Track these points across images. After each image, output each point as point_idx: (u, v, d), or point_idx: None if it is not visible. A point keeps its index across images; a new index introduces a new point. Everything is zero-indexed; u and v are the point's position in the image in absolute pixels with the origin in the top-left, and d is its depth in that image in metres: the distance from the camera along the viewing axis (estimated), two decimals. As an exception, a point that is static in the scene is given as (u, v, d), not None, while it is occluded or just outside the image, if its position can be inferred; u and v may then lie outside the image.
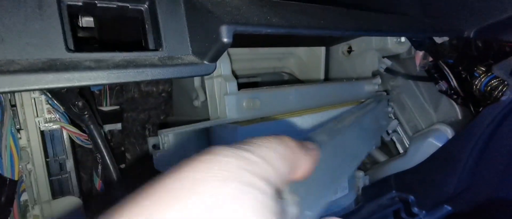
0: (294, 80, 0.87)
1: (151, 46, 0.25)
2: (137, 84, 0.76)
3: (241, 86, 0.49)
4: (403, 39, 0.68)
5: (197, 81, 0.58)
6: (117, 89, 0.74)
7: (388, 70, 0.74)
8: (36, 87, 0.18)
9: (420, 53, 0.67)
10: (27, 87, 0.18)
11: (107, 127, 0.67)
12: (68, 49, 0.21)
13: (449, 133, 0.62)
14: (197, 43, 0.25)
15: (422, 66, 0.67)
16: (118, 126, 0.68)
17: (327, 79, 0.80)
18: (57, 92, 0.35)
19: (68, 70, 0.19)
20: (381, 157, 0.80)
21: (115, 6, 0.23)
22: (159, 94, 0.80)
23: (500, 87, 0.50)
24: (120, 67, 0.21)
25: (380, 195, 0.64)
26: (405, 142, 0.77)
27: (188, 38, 0.25)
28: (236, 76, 0.50)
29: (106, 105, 0.70)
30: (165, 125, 0.81)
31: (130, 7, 0.24)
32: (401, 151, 0.78)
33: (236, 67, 0.78)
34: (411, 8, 0.44)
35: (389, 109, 0.72)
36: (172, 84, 0.78)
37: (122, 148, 0.70)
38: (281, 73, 0.88)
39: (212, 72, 0.26)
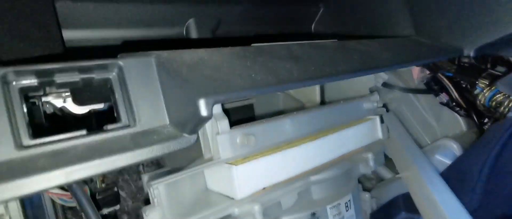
0: (289, 100, 0.84)
1: (123, 119, 0.22)
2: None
3: (234, 112, 0.47)
4: (398, 52, 0.66)
5: (188, 115, 0.55)
6: (107, 126, 0.72)
7: (385, 84, 0.71)
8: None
9: (417, 67, 0.65)
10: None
11: (98, 168, 0.63)
12: (19, 146, 0.18)
13: (455, 149, 0.59)
14: (175, 113, 0.22)
15: (420, 80, 0.65)
16: (110, 165, 0.65)
17: (322, 98, 0.78)
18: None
19: (16, 176, 0.16)
20: (386, 173, 0.77)
21: (78, 79, 0.21)
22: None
23: (506, 102, 0.47)
24: (82, 159, 0.18)
25: (389, 217, 0.60)
26: (410, 157, 0.74)
27: (164, 108, 0.22)
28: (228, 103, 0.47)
29: (95, 145, 0.66)
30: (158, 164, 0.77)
31: (95, 77, 0.21)
32: (406, 166, 0.75)
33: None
34: (404, 29, 0.42)
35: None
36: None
37: (115, 188, 0.66)
38: (276, 93, 0.86)
39: (194, 143, 0.23)
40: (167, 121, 0.23)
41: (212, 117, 0.45)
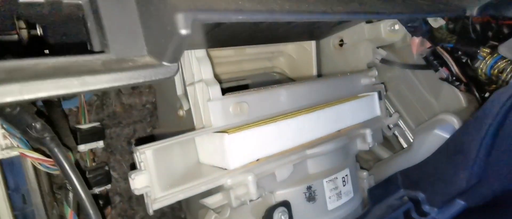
0: (286, 80, 0.82)
1: (96, 47, 0.20)
2: (118, 97, 0.71)
3: (229, 90, 0.45)
4: (397, 26, 0.64)
5: (179, 89, 0.53)
6: (97, 104, 0.69)
7: (383, 60, 0.69)
8: None
9: (416, 40, 0.63)
10: None
11: (88, 146, 0.61)
12: (-30, 59, 0.16)
13: (455, 122, 0.57)
14: (152, 40, 0.20)
15: (419, 54, 0.63)
16: (100, 144, 0.63)
17: (320, 75, 0.76)
18: (7, 114, 0.30)
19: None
20: (384, 153, 0.76)
21: (43, 1, 0.19)
22: (143, 106, 0.75)
23: (508, 69, 0.46)
24: (41, 76, 0.16)
25: (387, 195, 0.59)
26: (409, 136, 0.73)
27: (142, 35, 0.20)
28: (221, 81, 0.45)
29: (84, 122, 0.64)
30: (151, 139, 0.75)
31: (64, 1, 0.19)
32: (404, 145, 0.73)
33: (222, 70, 0.73)
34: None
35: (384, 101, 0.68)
36: (156, 94, 0.73)
37: (107, 167, 0.64)
38: (271, 73, 0.84)
39: (174, 75, 0.21)
40: (145, 50, 0.21)
41: (203, 82, 0.43)
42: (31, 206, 0.39)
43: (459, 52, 0.59)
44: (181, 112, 0.53)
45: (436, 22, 0.59)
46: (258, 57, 0.77)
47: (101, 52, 0.20)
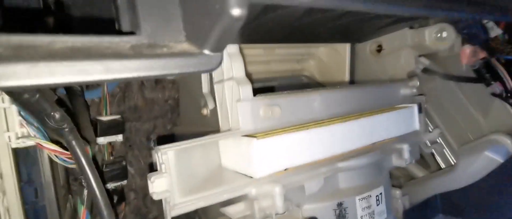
0: (315, 85, 0.78)
1: (125, 27, 0.17)
2: (140, 90, 0.69)
3: (255, 91, 0.41)
4: (445, 33, 0.58)
5: (206, 86, 0.50)
6: (119, 96, 0.68)
7: (426, 70, 0.63)
8: None
9: (467, 50, 0.57)
10: None
11: (108, 139, 0.59)
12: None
13: (510, 145, 0.51)
14: (193, 23, 0.16)
15: (469, 65, 0.57)
16: (119, 137, 0.61)
17: (352, 82, 0.71)
18: (25, 101, 0.28)
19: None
20: (418, 172, 0.69)
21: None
22: (165, 102, 0.73)
23: None
24: (56, 57, 0.13)
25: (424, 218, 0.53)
26: (448, 155, 0.66)
27: (180, 16, 0.17)
28: (251, 80, 0.42)
29: (106, 114, 0.63)
30: (171, 138, 0.73)
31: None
32: (442, 165, 0.67)
33: (249, 70, 0.70)
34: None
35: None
36: (179, 89, 0.71)
37: (124, 162, 0.62)
38: (300, 76, 0.79)
39: (216, 67, 0.18)
40: (183, 35, 0.17)
41: (234, 81, 0.40)
42: (43, 201, 0.37)
43: (517, 66, 0.53)
44: (205, 111, 0.50)
45: (493, 31, 0.52)
46: (287, 59, 0.73)
47: (131, 33, 0.16)
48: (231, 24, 0.15)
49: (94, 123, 0.57)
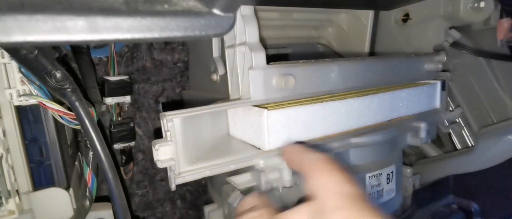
0: (331, 54, 0.73)
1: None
2: (149, 51, 0.67)
3: (268, 59, 0.38)
4: (483, 3, 0.52)
5: (216, 50, 0.47)
6: (127, 56, 0.65)
7: (455, 44, 0.58)
8: None
9: (505, 24, 0.52)
10: None
11: (115, 100, 0.58)
12: None
13: (538, 131, 0.47)
14: (202, -27, 0.14)
15: (507, 41, 0.52)
16: (127, 98, 0.59)
17: (372, 54, 0.66)
18: (23, 57, 0.26)
19: None
20: (431, 151, 0.67)
21: None
22: (174, 64, 0.70)
23: None
24: (28, 8, 0.10)
25: (434, 200, 0.52)
26: (466, 137, 0.63)
27: (186, -37, 0.14)
28: (264, 46, 0.39)
29: (113, 74, 0.61)
30: (179, 103, 0.71)
31: None
32: (459, 146, 0.64)
33: (263, 35, 0.66)
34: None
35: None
36: (189, 52, 0.68)
37: (132, 124, 0.62)
38: (315, 44, 0.75)
39: (228, 31, 0.15)
40: (189, -12, 0.14)
41: (246, 46, 0.37)
42: (49, 160, 0.37)
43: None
44: (215, 77, 0.48)
45: (540, 3, 0.46)
46: (305, 24, 0.68)
47: (126, -17, 0.14)
48: None
49: (102, 83, 0.56)
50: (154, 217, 0.75)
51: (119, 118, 0.63)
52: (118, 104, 0.61)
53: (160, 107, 0.70)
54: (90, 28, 0.12)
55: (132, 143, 0.63)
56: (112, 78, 0.57)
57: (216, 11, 0.14)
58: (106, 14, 0.12)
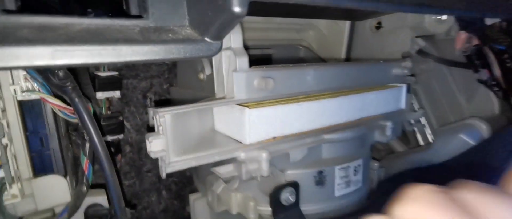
0: (311, 56, 0.79)
1: (133, 10, 0.18)
2: (138, 48, 0.70)
3: (251, 59, 0.42)
4: (444, 17, 0.59)
5: (203, 51, 0.51)
6: (117, 53, 0.68)
7: (420, 52, 0.65)
8: None
9: (463, 35, 0.58)
10: None
11: (105, 94, 0.61)
12: (2, 11, 0.14)
13: (484, 130, 0.54)
14: (196, 11, 0.18)
15: (462, 50, 0.58)
16: (117, 93, 0.62)
17: (348, 57, 0.72)
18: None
19: (-9, 41, 0.13)
20: (398, 147, 0.74)
21: None
22: (163, 62, 0.73)
23: (562, 85, 0.42)
24: (75, 40, 0.14)
25: (396, 190, 0.58)
26: (428, 134, 0.70)
27: (184, 2, 0.18)
28: (247, 47, 0.43)
29: (103, 70, 0.64)
30: (167, 99, 0.75)
31: (103, -50, 0.17)
32: (421, 143, 0.71)
33: (247, 36, 0.70)
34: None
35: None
36: (177, 51, 0.71)
37: (121, 117, 0.65)
38: (297, 46, 0.80)
39: (216, 54, 0.19)
40: (187, 21, 0.18)
41: (231, 52, 0.41)
42: (49, 150, 0.40)
43: (506, 56, 0.54)
44: (201, 76, 0.52)
45: (490, 20, 0.53)
46: (287, 27, 0.73)
47: (138, 16, 0.17)
48: (232, 20, 0.16)
49: (92, 78, 0.59)
50: (141, 206, 0.78)
51: (109, 112, 0.66)
52: (107, 98, 0.64)
53: (148, 102, 0.74)
54: (116, 54, 0.16)
55: (121, 136, 0.66)
56: (102, 74, 0.60)
57: (207, 39, 0.18)
58: (128, 43, 0.16)
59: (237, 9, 0.15)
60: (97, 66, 0.64)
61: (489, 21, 0.53)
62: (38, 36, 0.14)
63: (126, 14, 0.18)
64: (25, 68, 0.23)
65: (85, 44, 0.15)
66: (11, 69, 0.17)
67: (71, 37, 0.15)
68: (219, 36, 0.18)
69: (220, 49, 0.19)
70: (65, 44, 0.14)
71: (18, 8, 0.15)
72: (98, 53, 0.15)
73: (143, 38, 0.16)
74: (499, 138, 0.49)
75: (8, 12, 0.14)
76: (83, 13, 0.16)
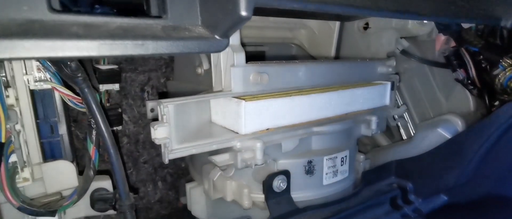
0: (302, 54, 0.82)
1: (153, 11, 0.21)
2: (137, 43, 0.72)
3: (245, 55, 0.46)
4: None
5: (201, 47, 0.54)
6: (115, 47, 0.70)
7: (404, 52, 0.69)
8: (7, 56, 0.15)
9: (442, 37, 0.63)
10: (-5, 56, 0.15)
11: (105, 87, 0.63)
12: (51, 9, 0.17)
13: (459, 125, 0.59)
14: (208, 13, 0.21)
15: (441, 51, 0.63)
16: (116, 86, 0.65)
17: (337, 55, 0.76)
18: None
19: (50, 36, 0.16)
20: (383, 140, 0.79)
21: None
22: (161, 56, 0.76)
23: (525, 84, 0.47)
24: (115, 36, 0.18)
25: (379, 180, 0.63)
26: (410, 129, 0.75)
27: (198, 5, 0.21)
28: (243, 44, 0.46)
29: (103, 63, 0.66)
30: (164, 92, 0.77)
31: (130, -41, 0.20)
32: (404, 137, 0.76)
33: (243, 34, 0.73)
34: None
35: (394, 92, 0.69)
36: (174, 46, 0.74)
37: (119, 109, 0.67)
38: (290, 44, 0.84)
39: (224, 49, 0.23)
40: (199, 20, 0.21)
41: (230, 49, 0.44)
42: (58, 137, 0.42)
43: (481, 57, 0.59)
44: (199, 70, 0.55)
45: (467, 23, 0.58)
46: (280, 26, 0.76)
47: (158, 17, 0.21)
48: (239, 22, 0.20)
49: (93, 71, 0.61)
50: (137, 196, 0.81)
51: (108, 104, 0.68)
52: (107, 90, 0.66)
53: (146, 95, 0.76)
54: (145, 48, 0.18)
55: (119, 128, 0.69)
56: (102, 67, 0.62)
57: (217, 36, 0.21)
58: (154, 39, 0.19)
59: (244, 13, 0.18)
60: (97, 60, 0.66)
61: (465, 25, 0.58)
62: (86, 32, 0.17)
63: (145, 14, 0.21)
64: (75, 59, 0.26)
65: (122, 39, 0.18)
66: (63, 59, 0.19)
67: (111, 33, 0.18)
68: (227, 34, 0.21)
69: (227, 45, 0.23)
70: (107, 39, 0.17)
71: (61, 7, 0.17)
72: (131, 46, 0.18)
73: (165, 34, 0.20)
74: (471, 132, 0.54)
75: (55, 10, 0.17)
76: (114, 13, 0.19)
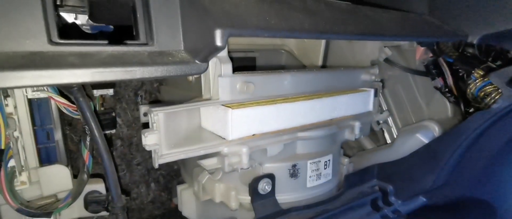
0: (292, 60, 0.85)
1: (142, 38, 0.24)
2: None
3: (237, 62, 0.48)
4: (407, 30, 0.66)
5: (192, 55, 0.56)
6: (110, 53, 0.72)
7: (387, 60, 0.73)
8: (13, 85, 0.17)
9: (421, 48, 0.66)
10: (2, 85, 0.17)
11: (100, 92, 0.66)
12: (51, 41, 0.19)
13: (436, 131, 0.63)
14: (190, 40, 0.23)
15: (421, 61, 0.67)
16: (110, 91, 0.67)
17: (325, 63, 0.79)
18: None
19: (50, 67, 0.18)
20: (368, 144, 0.82)
21: (103, -9, 0.22)
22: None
23: (493, 94, 0.50)
24: (106, 64, 0.20)
25: (361, 182, 0.66)
26: (394, 133, 0.78)
27: (181, 33, 0.24)
28: (234, 50, 0.49)
29: (97, 69, 0.68)
30: (156, 99, 0.80)
31: (120, -8, 0.22)
32: (388, 141, 0.80)
33: (234, 40, 0.76)
34: (419, 6, 0.42)
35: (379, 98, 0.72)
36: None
37: (113, 113, 0.69)
38: (280, 50, 0.87)
39: (203, 72, 0.25)
40: (182, 46, 0.24)
41: (217, 60, 0.47)
42: (53, 142, 0.45)
43: (458, 67, 0.63)
44: (190, 78, 0.57)
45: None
46: (270, 34, 0.79)
47: (145, 44, 0.23)
48: (215, 50, 0.22)
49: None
50: (130, 197, 0.83)
51: (102, 108, 0.70)
52: (101, 95, 0.69)
53: (139, 99, 0.78)
54: (132, 73, 0.21)
55: (113, 131, 0.71)
56: (97, 73, 0.64)
57: (197, 61, 0.24)
58: (141, 65, 0.22)
59: (219, 43, 0.21)
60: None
61: (443, 36, 0.61)
62: (81, 61, 0.20)
63: (134, 39, 0.23)
64: (72, 85, 0.28)
65: (112, 66, 0.21)
66: (61, 85, 0.21)
67: (103, 61, 0.20)
68: (206, 59, 0.24)
69: (206, 68, 0.25)
70: (100, 67, 0.20)
71: (60, 39, 0.20)
72: (120, 73, 0.21)
73: (151, 61, 0.22)
74: (445, 138, 0.58)
75: (54, 43, 0.20)
76: (106, 40, 0.22)
